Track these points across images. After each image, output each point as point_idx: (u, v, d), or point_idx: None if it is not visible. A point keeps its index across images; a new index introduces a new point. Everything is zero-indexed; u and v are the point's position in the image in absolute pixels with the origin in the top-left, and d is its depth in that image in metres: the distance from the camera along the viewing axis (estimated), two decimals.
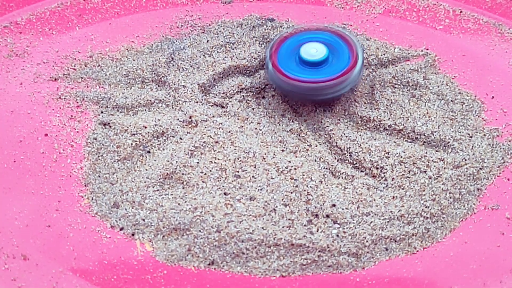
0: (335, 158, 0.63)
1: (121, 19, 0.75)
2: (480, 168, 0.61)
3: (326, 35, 0.67)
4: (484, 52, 0.72)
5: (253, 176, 0.61)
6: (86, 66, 0.69)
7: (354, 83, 0.65)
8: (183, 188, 0.60)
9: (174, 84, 0.67)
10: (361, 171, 0.62)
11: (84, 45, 0.72)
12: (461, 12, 0.76)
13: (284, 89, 0.66)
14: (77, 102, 0.66)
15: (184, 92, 0.67)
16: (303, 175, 0.61)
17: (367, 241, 0.56)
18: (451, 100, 0.67)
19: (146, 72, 0.68)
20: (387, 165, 0.61)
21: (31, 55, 0.70)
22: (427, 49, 0.72)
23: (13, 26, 0.73)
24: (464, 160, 0.62)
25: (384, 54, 0.71)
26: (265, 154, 0.62)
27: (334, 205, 0.58)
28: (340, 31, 0.67)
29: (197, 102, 0.66)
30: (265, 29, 0.73)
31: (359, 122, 0.65)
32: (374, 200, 0.59)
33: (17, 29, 0.73)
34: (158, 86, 0.68)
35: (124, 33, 0.73)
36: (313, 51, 0.65)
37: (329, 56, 0.65)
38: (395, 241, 0.57)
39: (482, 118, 0.66)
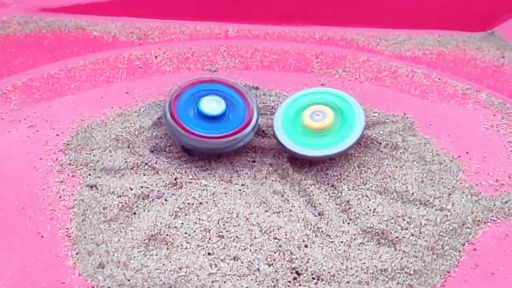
0: (318, 219, 0.64)
1: (111, 86, 0.77)
2: (463, 224, 0.63)
3: (224, 88, 0.69)
4: (460, 116, 0.75)
5: (236, 236, 0.61)
6: (75, 131, 0.71)
7: (247, 139, 0.68)
8: (167, 249, 0.60)
9: (160, 147, 0.69)
10: (343, 230, 0.63)
11: (73, 111, 0.74)
12: (438, 79, 0.80)
13: (180, 141, 0.67)
14: (65, 166, 0.67)
15: (170, 155, 0.69)
16: (286, 234, 0.62)
17: None
18: (430, 161, 0.69)
19: (133, 136, 0.70)
20: (369, 223, 0.62)
21: (20, 121, 0.72)
22: (405, 114, 0.74)
23: (3, 93, 0.75)
24: (445, 216, 0.63)
25: None
26: (249, 214, 0.63)
27: (317, 263, 0.59)
28: (238, 85, 0.70)
29: (181, 164, 0.68)
30: None
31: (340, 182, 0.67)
32: (358, 255, 0.60)
33: (6, 95, 0.75)
34: (145, 149, 0.69)
35: (115, 99, 0.75)
36: (213, 104, 0.67)
37: (227, 110, 0.67)
38: None
39: (460, 178, 0.67)
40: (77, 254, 0.60)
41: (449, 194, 0.66)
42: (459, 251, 0.61)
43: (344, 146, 0.66)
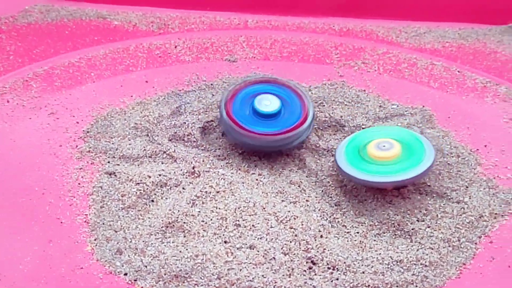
0: (334, 209, 0.64)
1: (131, 75, 0.78)
2: (479, 217, 0.63)
3: (279, 87, 0.70)
4: (479, 109, 0.74)
5: (253, 225, 0.62)
6: (95, 119, 0.72)
7: (304, 137, 0.68)
8: (184, 236, 0.61)
9: (178, 136, 0.70)
10: (359, 221, 0.63)
11: (93, 99, 0.74)
12: (458, 71, 0.79)
13: (236, 139, 0.68)
14: (84, 153, 0.68)
15: (188, 144, 0.69)
16: (302, 224, 0.62)
17: (369, 287, 0.57)
18: (448, 153, 0.69)
19: (152, 124, 0.71)
20: (385, 215, 0.63)
21: (41, 108, 0.73)
22: (424, 106, 0.74)
23: (24, 80, 0.76)
24: (462, 209, 0.63)
25: (381, 110, 0.73)
26: (265, 204, 0.64)
27: (333, 253, 0.59)
28: (294, 84, 0.70)
29: (199, 153, 0.68)
30: None
31: None
32: (374, 246, 0.60)
33: (27, 82, 0.76)
34: (163, 137, 0.70)
35: (134, 88, 0.76)
36: (267, 102, 0.67)
37: (282, 108, 0.68)
38: (395, 287, 0.57)
39: (478, 171, 0.67)
40: (95, 240, 0.61)
41: (467, 187, 0.65)
42: (476, 243, 0.61)
43: (413, 174, 0.62)
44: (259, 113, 0.67)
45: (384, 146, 0.64)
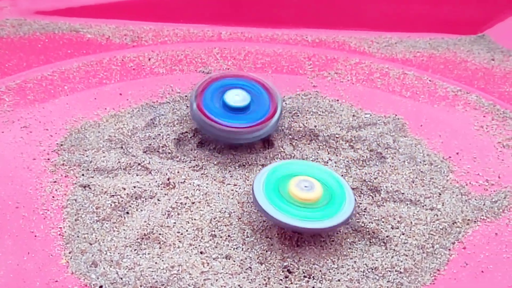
0: None
1: (105, 88, 0.78)
2: (453, 223, 0.64)
3: (248, 82, 0.72)
4: (450, 117, 0.75)
5: (228, 235, 0.62)
6: (68, 132, 0.72)
7: (271, 130, 0.70)
8: (160, 247, 0.61)
9: (153, 148, 0.70)
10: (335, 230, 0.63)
11: (67, 112, 0.74)
12: (429, 80, 0.80)
13: (205, 130, 0.69)
14: (58, 166, 0.68)
15: (163, 155, 0.69)
16: (278, 233, 0.62)
17: None
18: (420, 161, 0.69)
19: (126, 136, 0.71)
20: (360, 222, 0.63)
21: (13, 122, 0.72)
22: (396, 115, 0.75)
23: None
24: (436, 215, 0.64)
25: (354, 120, 0.74)
26: (241, 214, 0.64)
27: (309, 261, 0.60)
28: (263, 80, 0.72)
29: (174, 165, 0.68)
30: None
31: None
32: (349, 254, 0.61)
33: (1, 97, 0.75)
34: (138, 149, 0.70)
35: (108, 100, 0.76)
36: (237, 97, 0.69)
37: (251, 103, 0.70)
38: None
39: (450, 178, 0.68)
40: (70, 253, 0.60)
41: (440, 194, 0.66)
42: (449, 249, 0.62)
43: (334, 222, 0.60)
44: (229, 106, 0.69)
45: (305, 186, 0.61)
